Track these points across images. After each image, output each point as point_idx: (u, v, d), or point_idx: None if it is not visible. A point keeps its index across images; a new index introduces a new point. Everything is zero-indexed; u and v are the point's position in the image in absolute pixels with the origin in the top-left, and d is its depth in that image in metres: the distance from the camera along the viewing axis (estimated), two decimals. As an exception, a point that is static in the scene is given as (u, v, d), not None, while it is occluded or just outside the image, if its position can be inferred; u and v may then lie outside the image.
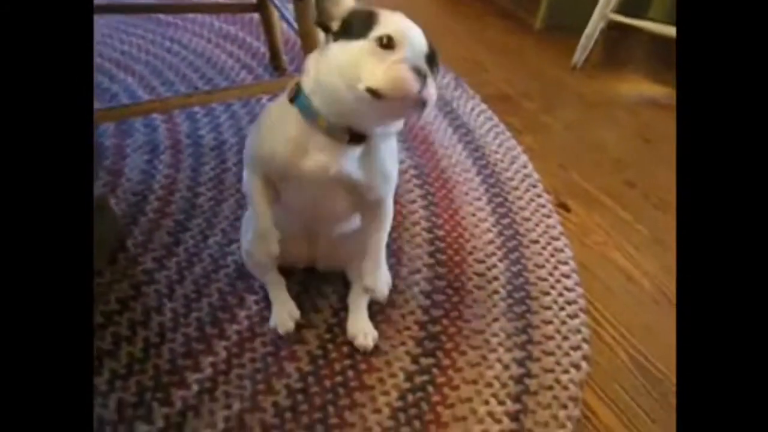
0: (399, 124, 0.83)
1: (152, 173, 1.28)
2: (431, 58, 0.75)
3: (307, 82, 0.80)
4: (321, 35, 1.20)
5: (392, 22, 0.75)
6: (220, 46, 1.80)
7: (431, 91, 0.73)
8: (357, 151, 0.82)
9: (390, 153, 0.87)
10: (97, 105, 1.47)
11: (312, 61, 0.82)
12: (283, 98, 0.84)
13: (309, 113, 0.79)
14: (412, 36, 0.74)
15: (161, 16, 1.92)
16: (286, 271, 1.03)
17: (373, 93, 0.72)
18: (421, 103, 0.72)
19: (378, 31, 0.73)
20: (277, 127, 0.83)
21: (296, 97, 0.81)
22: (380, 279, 0.93)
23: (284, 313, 0.99)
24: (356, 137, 0.80)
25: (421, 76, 0.71)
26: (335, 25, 0.77)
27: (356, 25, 0.75)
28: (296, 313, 0.99)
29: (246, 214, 1.04)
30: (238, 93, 1.27)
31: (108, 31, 1.81)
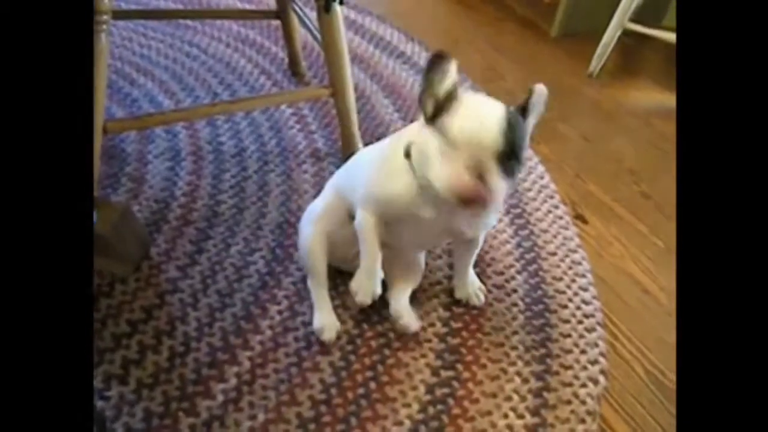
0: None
1: (174, 180, 1.29)
2: (508, 153, 0.74)
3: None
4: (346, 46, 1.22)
5: (463, 113, 0.75)
6: (239, 51, 1.80)
7: (494, 191, 0.75)
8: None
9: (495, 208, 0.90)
10: (119, 110, 1.49)
11: (414, 133, 0.83)
12: (397, 145, 0.87)
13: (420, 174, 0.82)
14: (479, 133, 0.74)
15: (180, 19, 1.93)
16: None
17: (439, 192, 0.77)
18: (482, 201, 0.75)
19: (448, 121, 0.75)
20: (395, 177, 0.85)
21: (409, 155, 0.84)
22: (472, 291, 1.08)
23: (329, 321, 1.01)
24: None
25: (481, 177, 0.73)
26: (429, 109, 0.78)
27: (440, 111, 0.77)
28: (338, 325, 1.01)
29: (309, 208, 1.05)
30: (262, 102, 1.28)
31: (127, 34, 1.82)
